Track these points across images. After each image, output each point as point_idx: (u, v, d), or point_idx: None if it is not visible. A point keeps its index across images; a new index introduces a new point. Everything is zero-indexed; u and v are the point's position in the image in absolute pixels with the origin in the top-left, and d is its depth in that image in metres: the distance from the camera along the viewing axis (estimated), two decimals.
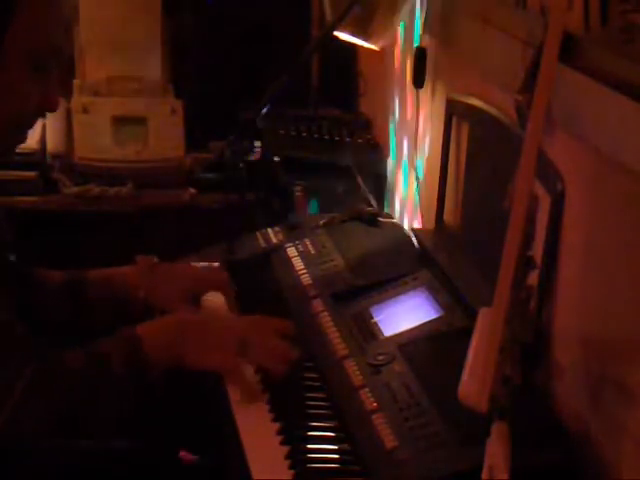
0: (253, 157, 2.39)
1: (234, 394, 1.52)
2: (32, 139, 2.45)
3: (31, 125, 1.52)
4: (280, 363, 1.54)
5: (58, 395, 1.41)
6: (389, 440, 1.38)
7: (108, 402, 1.45)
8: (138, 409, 1.50)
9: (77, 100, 2.59)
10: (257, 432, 1.44)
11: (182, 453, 1.70)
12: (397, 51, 2.25)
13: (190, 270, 1.81)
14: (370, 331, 1.65)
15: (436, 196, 1.93)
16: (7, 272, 1.63)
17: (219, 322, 1.60)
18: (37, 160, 2.49)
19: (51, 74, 1.48)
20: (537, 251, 1.30)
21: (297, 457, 1.38)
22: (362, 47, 2.37)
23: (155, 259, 1.77)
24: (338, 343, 1.64)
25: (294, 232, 2.05)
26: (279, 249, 2.00)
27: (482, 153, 1.77)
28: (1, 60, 1.41)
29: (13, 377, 1.38)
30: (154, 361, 1.47)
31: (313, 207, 2.29)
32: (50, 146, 2.52)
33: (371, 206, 2.15)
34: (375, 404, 1.46)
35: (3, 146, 1.52)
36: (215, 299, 1.80)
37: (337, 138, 2.47)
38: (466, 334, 1.21)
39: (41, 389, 1.40)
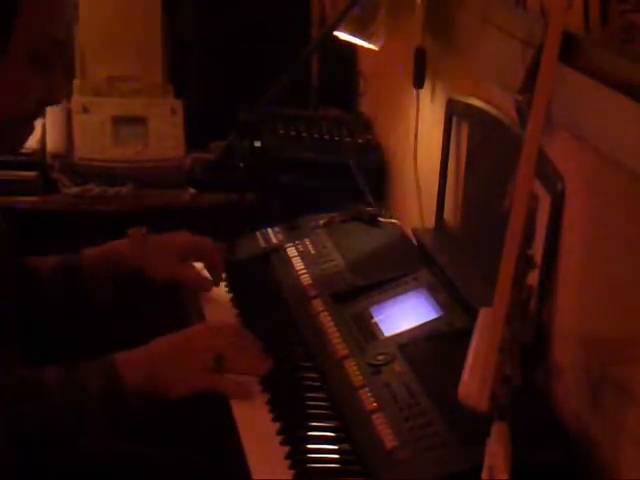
0: (253, 157, 2.38)
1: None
2: (32, 139, 2.44)
3: (35, 117, 1.53)
4: (261, 364, 1.55)
5: (29, 413, 1.41)
6: (389, 440, 1.38)
7: (85, 422, 1.45)
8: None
9: (77, 100, 2.58)
10: (257, 432, 1.44)
11: None
12: (397, 51, 2.25)
13: (180, 237, 1.83)
14: (370, 331, 1.65)
15: (436, 196, 1.93)
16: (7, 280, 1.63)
17: (192, 342, 1.55)
18: (37, 160, 2.48)
19: (55, 68, 1.48)
20: (537, 251, 1.30)
21: (297, 457, 1.38)
22: (362, 47, 2.36)
23: (145, 230, 1.80)
24: (338, 343, 1.64)
25: (294, 232, 2.05)
26: (279, 249, 2.00)
27: (482, 153, 1.76)
28: (3, 56, 1.41)
29: None
30: (134, 395, 1.46)
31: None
32: (50, 146, 2.51)
33: (371, 206, 2.15)
34: (375, 404, 1.46)
35: (9, 140, 1.52)
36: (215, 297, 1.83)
37: (337, 138, 2.47)
38: (466, 334, 1.21)
39: (8, 408, 1.40)
